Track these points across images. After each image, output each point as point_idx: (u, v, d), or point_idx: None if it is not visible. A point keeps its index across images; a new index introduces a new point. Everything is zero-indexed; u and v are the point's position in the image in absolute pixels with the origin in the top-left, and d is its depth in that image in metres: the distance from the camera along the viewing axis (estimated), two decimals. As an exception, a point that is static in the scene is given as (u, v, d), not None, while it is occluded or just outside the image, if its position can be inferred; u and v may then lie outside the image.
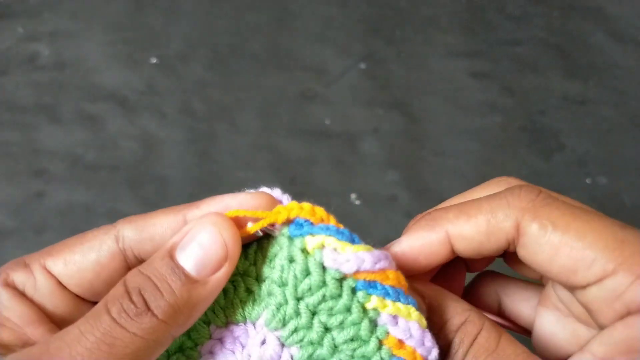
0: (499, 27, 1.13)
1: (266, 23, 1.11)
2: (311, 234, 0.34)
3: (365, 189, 0.93)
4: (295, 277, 0.34)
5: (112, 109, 1.00)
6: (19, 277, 0.37)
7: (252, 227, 0.34)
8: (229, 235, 0.33)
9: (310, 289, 0.34)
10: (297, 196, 0.38)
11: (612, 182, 0.96)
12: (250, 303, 0.36)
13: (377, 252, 0.34)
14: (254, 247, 0.36)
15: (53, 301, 0.37)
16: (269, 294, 0.35)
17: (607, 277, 0.31)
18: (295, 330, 0.35)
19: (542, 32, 1.13)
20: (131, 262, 0.38)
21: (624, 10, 1.15)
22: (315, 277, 0.34)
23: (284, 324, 0.35)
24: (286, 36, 1.09)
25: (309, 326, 0.35)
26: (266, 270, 0.36)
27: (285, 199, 0.36)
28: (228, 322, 0.36)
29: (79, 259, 0.38)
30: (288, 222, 0.34)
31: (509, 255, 0.39)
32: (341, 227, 0.35)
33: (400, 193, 0.92)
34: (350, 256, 0.33)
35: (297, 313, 0.35)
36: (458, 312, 0.34)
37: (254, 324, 0.36)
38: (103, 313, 0.31)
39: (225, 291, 0.36)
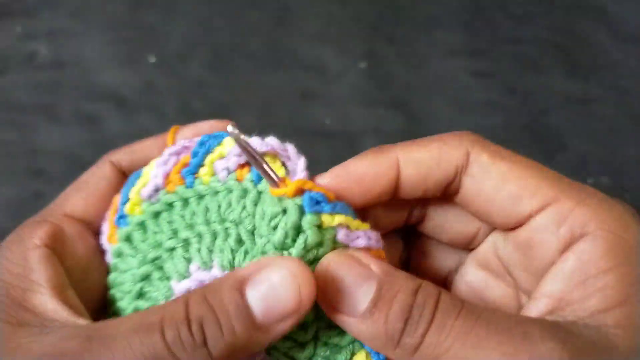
0: (500, 25, 1.12)
1: (265, 21, 1.10)
2: (330, 213, 0.34)
3: (365, 189, 0.92)
4: (305, 248, 0.34)
5: (111, 109, 1.00)
6: (48, 235, 0.37)
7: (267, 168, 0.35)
8: (307, 292, 0.31)
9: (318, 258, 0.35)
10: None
11: (614, 182, 0.95)
12: (241, 253, 0.36)
13: (377, 232, 0.37)
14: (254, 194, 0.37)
15: (80, 248, 0.38)
16: (263, 253, 0.35)
17: (550, 203, 0.32)
18: None
19: (544, 31, 1.12)
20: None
21: (626, 10, 1.14)
22: (326, 249, 0.34)
23: None
24: (286, 35, 1.09)
25: None
26: (262, 228, 0.35)
27: (293, 155, 0.36)
28: (212, 266, 0.36)
29: (93, 192, 0.40)
30: (299, 192, 0.35)
31: (426, 221, 0.40)
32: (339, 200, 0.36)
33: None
34: (360, 234, 0.35)
35: None
36: (410, 279, 0.32)
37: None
38: (156, 332, 0.29)
39: (216, 233, 0.36)
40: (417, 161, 0.35)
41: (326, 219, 0.34)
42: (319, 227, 0.34)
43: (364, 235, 0.35)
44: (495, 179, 0.33)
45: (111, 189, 0.41)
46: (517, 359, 0.28)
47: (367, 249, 0.35)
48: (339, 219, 0.34)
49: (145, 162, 0.42)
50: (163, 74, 1.04)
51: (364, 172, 0.35)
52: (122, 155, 0.43)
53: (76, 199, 0.40)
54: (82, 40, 1.07)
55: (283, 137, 0.98)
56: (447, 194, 0.36)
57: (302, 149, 0.96)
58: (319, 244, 0.34)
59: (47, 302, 0.34)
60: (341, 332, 0.35)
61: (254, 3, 1.13)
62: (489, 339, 0.28)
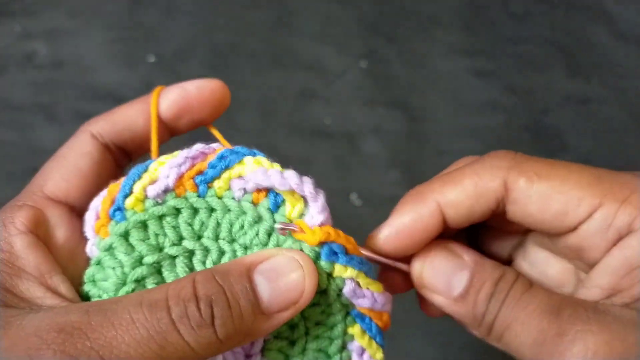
0: (501, 25, 1.12)
1: (265, 21, 1.10)
2: (344, 265, 0.36)
3: (366, 188, 0.92)
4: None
5: (110, 108, 0.99)
6: (29, 220, 0.35)
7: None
8: (311, 283, 0.33)
9: (316, 301, 0.36)
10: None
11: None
12: None
13: (386, 295, 0.38)
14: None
15: (65, 233, 0.36)
16: None
17: (596, 210, 0.33)
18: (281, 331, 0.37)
19: (545, 30, 1.12)
20: (115, 153, 0.39)
21: (627, 9, 1.14)
22: (329, 298, 0.36)
23: None
24: (285, 34, 1.08)
25: (294, 327, 0.37)
26: None
27: (308, 189, 0.36)
28: None
29: (74, 171, 0.37)
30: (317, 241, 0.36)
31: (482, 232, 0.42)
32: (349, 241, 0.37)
33: (402, 193, 0.90)
34: (367, 294, 0.37)
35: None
36: (495, 268, 0.36)
37: None
38: (162, 309, 0.29)
39: (223, 251, 0.37)
40: (457, 203, 0.36)
41: (338, 269, 0.35)
42: (329, 275, 0.35)
43: (370, 297, 0.37)
44: (538, 202, 0.34)
45: (93, 166, 0.38)
46: (547, 333, 0.32)
47: (368, 310, 0.37)
48: (350, 272, 0.36)
49: (129, 134, 0.40)
50: (162, 73, 1.03)
51: (411, 228, 0.36)
52: (103, 126, 0.40)
53: (57, 179, 0.38)
54: (81, 39, 1.07)
55: (283, 137, 0.97)
56: (494, 215, 0.37)
57: (302, 149, 0.95)
58: (323, 291, 0.36)
59: (35, 289, 0.33)
60: (330, 328, 0.37)
61: (254, 3, 1.12)
62: (532, 317, 0.33)
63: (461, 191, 0.36)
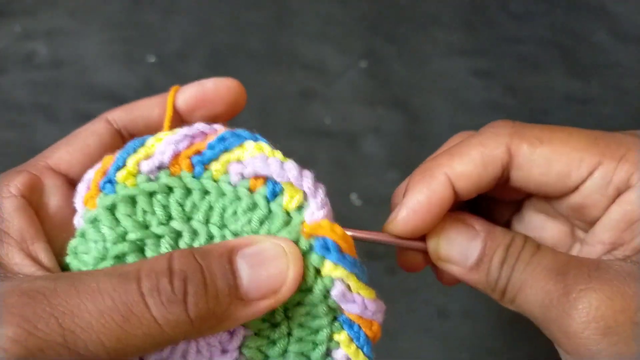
0: (501, 25, 1.12)
1: (265, 21, 1.10)
2: (334, 262, 0.34)
3: (366, 189, 0.92)
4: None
5: (110, 108, 0.99)
6: (24, 185, 0.35)
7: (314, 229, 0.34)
8: (294, 273, 0.32)
9: (301, 300, 0.35)
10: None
11: (615, 182, 0.95)
12: None
13: (378, 304, 0.36)
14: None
15: (59, 202, 0.36)
16: None
17: (596, 168, 0.35)
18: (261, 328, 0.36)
19: (545, 30, 1.12)
20: (127, 141, 0.39)
21: (627, 9, 1.14)
22: (314, 298, 0.35)
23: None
24: (285, 34, 1.08)
25: (276, 325, 0.36)
26: None
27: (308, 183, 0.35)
28: None
29: (81, 146, 0.38)
30: (311, 234, 0.35)
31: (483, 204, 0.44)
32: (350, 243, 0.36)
33: (401, 193, 0.91)
34: (358, 299, 0.35)
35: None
36: (505, 234, 0.37)
37: None
38: (132, 280, 0.28)
39: (212, 236, 0.36)
40: (466, 174, 0.37)
41: (328, 266, 0.34)
42: (318, 272, 0.34)
43: (360, 303, 0.35)
44: (541, 165, 0.36)
45: (101, 146, 0.39)
46: (554, 294, 0.33)
47: (357, 317, 0.35)
48: (341, 272, 0.34)
49: (143, 122, 0.41)
50: (162, 73, 1.03)
51: (427, 204, 0.38)
52: (119, 114, 0.41)
53: (62, 152, 0.38)
54: (81, 39, 1.07)
55: (283, 137, 0.97)
56: (499, 184, 0.38)
57: (302, 149, 0.95)
58: (309, 289, 0.34)
59: (13, 255, 0.32)
60: (314, 331, 0.36)
61: (254, 3, 1.12)
62: (539, 279, 0.34)
63: (469, 162, 0.37)
